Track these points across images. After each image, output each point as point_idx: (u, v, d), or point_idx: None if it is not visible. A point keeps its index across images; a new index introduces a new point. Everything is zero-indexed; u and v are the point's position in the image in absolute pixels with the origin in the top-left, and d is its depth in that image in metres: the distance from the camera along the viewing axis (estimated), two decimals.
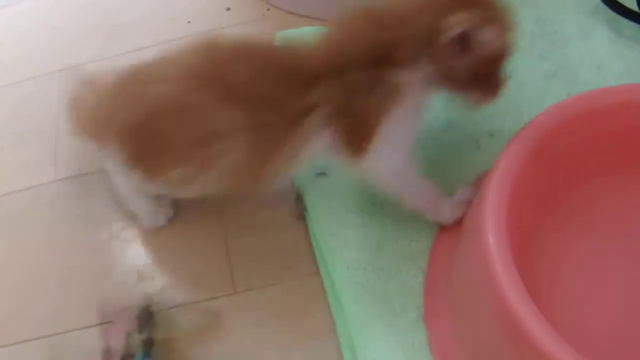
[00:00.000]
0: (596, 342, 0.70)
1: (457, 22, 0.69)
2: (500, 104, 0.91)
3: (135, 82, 0.82)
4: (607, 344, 0.71)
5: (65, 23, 1.27)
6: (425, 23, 0.71)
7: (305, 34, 1.03)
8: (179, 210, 0.95)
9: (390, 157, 0.77)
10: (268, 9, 1.18)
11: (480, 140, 0.89)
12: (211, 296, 0.86)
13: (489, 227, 0.66)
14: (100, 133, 0.86)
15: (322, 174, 0.90)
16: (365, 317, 0.78)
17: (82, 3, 1.30)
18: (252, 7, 1.20)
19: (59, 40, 1.25)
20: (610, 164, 0.80)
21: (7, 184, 1.04)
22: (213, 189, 0.82)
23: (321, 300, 0.83)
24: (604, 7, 0.97)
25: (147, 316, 0.81)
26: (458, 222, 0.79)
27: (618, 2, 0.97)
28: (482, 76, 0.74)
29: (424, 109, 0.79)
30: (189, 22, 1.19)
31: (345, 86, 0.73)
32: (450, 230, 0.80)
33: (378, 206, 0.86)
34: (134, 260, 0.92)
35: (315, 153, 0.77)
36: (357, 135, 0.75)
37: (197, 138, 0.76)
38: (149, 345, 0.79)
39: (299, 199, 0.89)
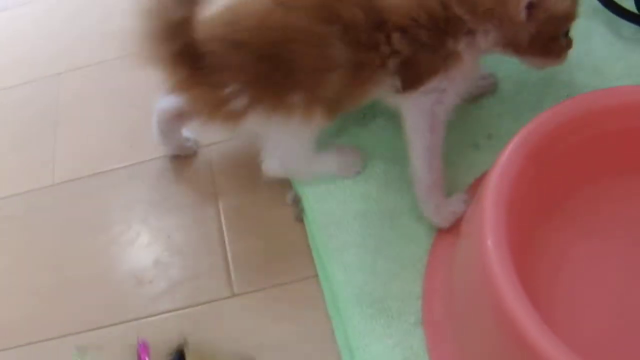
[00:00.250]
0: (594, 344, 0.70)
1: None
2: (498, 105, 0.91)
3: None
4: (605, 347, 0.70)
5: (62, 26, 1.27)
6: None
7: None
8: (178, 213, 0.95)
9: (432, 105, 0.80)
10: None
11: (479, 142, 0.89)
12: (210, 299, 0.86)
13: (487, 229, 0.66)
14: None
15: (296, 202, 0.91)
16: (364, 320, 0.78)
17: (79, 7, 1.30)
18: None
19: (56, 43, 1.25)
20: (612, 165, 0.79)
21: (6, 187, 1.04)
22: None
23: (320, 303, 0.83)
24: (602, 9, 0.97)
25: (178, 358, 0.80)
26: (456, 227, 0.79)
27: (617, 4, 0.96)
28: (548, 40, 0.77)
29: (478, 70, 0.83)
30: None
31: (416, 42, 0.77)
32: (449, 235, 0.80)
33: (377, 209, 0.85)
34: (132, 265, 0.92)
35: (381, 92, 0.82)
36: (413, 77, 0.79)
37: (316, 68, 0.78)
38: None
39: (297, 202, 0.89)
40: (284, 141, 0.84)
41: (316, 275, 0.84)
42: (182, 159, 1.00)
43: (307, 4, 0.76)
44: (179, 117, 0.93)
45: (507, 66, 0.92)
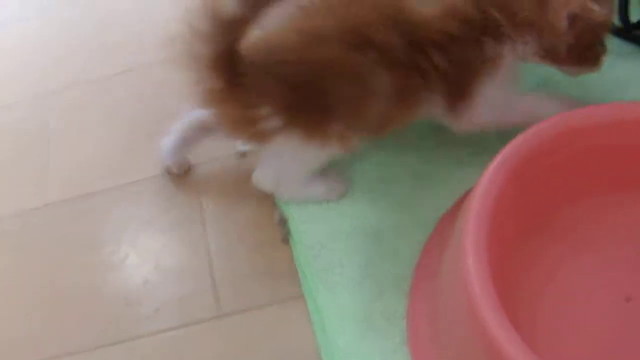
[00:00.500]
0: None
1: (569, 3, 0.73)
2: None
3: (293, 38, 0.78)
4: None
5: (54, 43, 1.28)
6: (534, 1, 0.75)
7: None
8: (167, 233, 0.95)
9: (483, 116, 0.82)
10: None
11: (463, 158, 0.89)
12: (198, 320, 0.86)
13: (469, 247, 0.66)
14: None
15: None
16: (350, 340, 0.78)
17: (72, 22, 1.31)
18: None
19: (48, 60, 1.26)
20: (599, 182, 0.80)
21: None
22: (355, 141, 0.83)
23: (306, 322, 0.83)
24: None
25: None
26: (440, 246, 0.79)
27: None
28: (586, 48, 0.78)
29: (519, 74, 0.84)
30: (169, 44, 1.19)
31: (455, 54, 0.77)
32: (433, 254, 0.80)
33: (361, 229, 0.86)
34: (121, 285, 0.93)
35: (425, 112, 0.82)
36: (458, 89, 0.80)
37: (355, 97, 0.79)
38: None
39: (283, 222, 0.89)
40: (291, 161, 0.84)
41: (302, 296, 0.84)
42: (172, 179, 1.00)
43: (336, 33, 0.76)
44: (205, 129, 0.94)
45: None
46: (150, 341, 0.86)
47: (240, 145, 0.98)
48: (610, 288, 0.76)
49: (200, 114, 0.91)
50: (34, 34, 1.32)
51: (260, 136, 0.80)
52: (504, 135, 0.78)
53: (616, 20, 0.97)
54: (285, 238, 0.88)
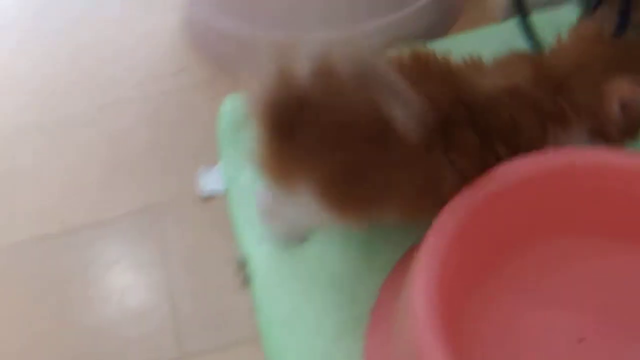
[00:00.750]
0: None
1: (621, 90, 0.78)
2: None
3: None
4: None
5: (22, 80, 1.29)
6: (587, 85, 0.79)
7: None
8: (131, 274, 0.96)
9: None
10: (217, 71, 1.21)
11: None
12: (158, 359, 0.87)
13: (417, 296, 0.67)
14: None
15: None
16: None
17: (38, 62, 1.32)
18: (201, 70, 1.22)
19: (15, 98, 1.26)
20: (552, 228, 0.81)
21: None
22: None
23: None
24: None
25: None
26: (395, 290, 0.80)
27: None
28: (633, 128, 0.82)
29: None
30: (137, 83, 1.21)
31: (520, 146, 0.78)
32: (388, 297, 0.81)
33: (321, 273, 0.87)
34: (87, 324, 0.93)
35: None
36: None
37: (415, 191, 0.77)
38: None
39: (242, 266, 0.90)
40: (296, 213, 0.82)
41: (261, 337, 0.85)
42: (138, 220, 1.01)
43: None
44: None
45: None
46: None
47: (205, 189, 0.99)
48: (563, 330, 0.77)
49: None
50: (9, 70, 1.32)
51: (295, 194, 0.77)
52: None
53: None
54: (245, 281, 0.89)
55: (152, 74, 1.20)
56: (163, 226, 1.00)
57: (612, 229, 0.81)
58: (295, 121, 0.72)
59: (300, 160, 0.74)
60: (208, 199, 0.99)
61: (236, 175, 0.99)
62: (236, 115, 1.05)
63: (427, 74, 0.77)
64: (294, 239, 0.88)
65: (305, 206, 0.77)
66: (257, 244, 0.91)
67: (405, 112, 0.70)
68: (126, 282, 0.95)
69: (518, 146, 0.78)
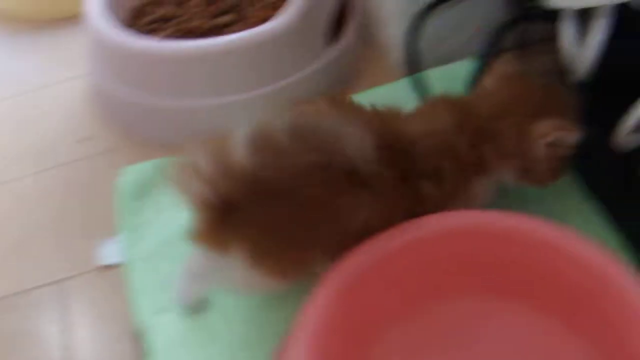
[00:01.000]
0: None
1: (546, 131, 0.82)
2: None
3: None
4: None
5: None
6: (513, 127, 0.83)
7: None
8: (26, 348, 0.94)
9: None
10: (123, 139, 1.21)
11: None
12: None
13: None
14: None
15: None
16: None
17: None
18: (107, 138, 1.22)
19: None
20: (429, 292, 0.82)
21: None
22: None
23: None
24: None
25: None
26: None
27: None
28: (557, 168, 0.86)
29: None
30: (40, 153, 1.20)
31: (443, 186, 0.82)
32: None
33: (213, 342, 0.86)
34: None
35: None
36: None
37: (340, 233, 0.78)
38: None
39: (138, 338, 0.88)
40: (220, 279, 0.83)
41: None
42: (36, 293, 0.99)
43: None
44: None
45: None
46: None
47: (105, 259, 0.98)
48: None
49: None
50: None
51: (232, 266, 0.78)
52: None
53: None
54: (142, 353, 0.87)
55: (57, 143, 1.20)
56: (64, 298, 0.98)
57: (507, 290, 0.82)
58: (231, 199, 0.73)
59: (234, 231, 0.75)
60: (109, 268, 0.98)
61: (134, 245, 0.98)
62: (135, 185, 1.05)
63: (348, 116, 0.80)
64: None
65: (240, 272, 0.77)
66: (154, 313, 0.90)
67: (355, 147, 0.75)
68: (24, 357, 0.93)
69: (442, 188, 0.81)
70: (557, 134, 0.82)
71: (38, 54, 1.46)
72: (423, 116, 0.86)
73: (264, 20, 1.15)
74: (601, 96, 0.95)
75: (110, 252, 1.01)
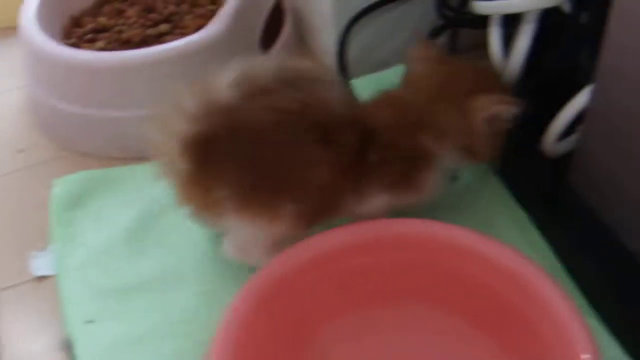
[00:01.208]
0: None
1: (485, 105, 0.83)
2: None
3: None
4: None
5: None
6: (451, 107, 0.85)
7: None
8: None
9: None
10: (60, 149, 1.21)
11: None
12: None
13: None
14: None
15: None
16: None
17: None
18: (45, 149, 1.22)
19: None
20: (342, 302, 0.84)
21: None
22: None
23: None
24: None
25: None
26: None
27: None
28: (494, 143, 0.87)
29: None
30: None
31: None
32: None
33: (149, 354, 0.87)
34: None
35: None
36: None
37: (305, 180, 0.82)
38: None
39: (67, 347, 0.89)
40: (249, 236, 0.87)
41: None
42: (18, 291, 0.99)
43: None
44: None
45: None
46: None
47: (38, 270, 0.99)
48: None
49: None
50: None
51: (219, 216, 0.83)
52: None
53: None
54: None
55: None
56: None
57: (426, 297, 0.84)
58: (208, 151, 0.78)
59: (216, 175, 0.80)
60: (42, 280, 0.98)
61: (65, 256, 0.99)
62: (69, 196, 1.06)
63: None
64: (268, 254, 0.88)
65: (243, 225, 0.83)
66: (84, 323, 0.90)
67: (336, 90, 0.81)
68: None
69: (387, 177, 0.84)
70: (495, 107, 0.84)
71: None
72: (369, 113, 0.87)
73: (199, 29, 1.16)
74: (530, 102, 0.97)
75: (43, 263, 1.01)
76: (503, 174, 1.02)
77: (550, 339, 0.72)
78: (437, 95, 0.86)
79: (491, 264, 0.79)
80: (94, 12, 1.31)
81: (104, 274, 0.95)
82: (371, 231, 0.83)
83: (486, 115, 0.84)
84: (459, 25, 1.20)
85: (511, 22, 1.04)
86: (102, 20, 1.28)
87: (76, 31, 1.27)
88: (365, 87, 1.10)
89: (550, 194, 0.99)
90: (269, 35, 1.23)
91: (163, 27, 1.25)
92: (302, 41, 1.34)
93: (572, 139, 0.94)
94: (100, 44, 1.22)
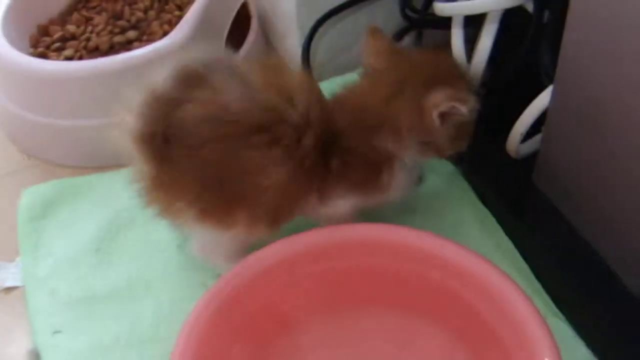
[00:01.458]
0: None
1: (438, 102, 0.82)
2: None
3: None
4: None
5: None
6: (409, 104, 0.84)
7: None
8: None
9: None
10: (28, 159, 1.20)
11: (207, 282, 0.92)
12: None
13: None
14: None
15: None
16: None
17: None
18: (13, 159, 1.21)
19: None
20: (334, 302, 0.84)
21: None
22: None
23: None
24: None
25: None
26: None
27: None
28: (457, 138, 0.87)
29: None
30: None
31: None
32: None
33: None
34: None
35: None
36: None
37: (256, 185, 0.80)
38: None
39: (35, 359, 0.89)
40: (213, 242, 0.88)
41: None
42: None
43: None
44: None
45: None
46: None
47: (6, 281, 0.98)
48: None
49: None
50: None
51: (182, 222, 0.83)
52: None
53: None
54: None
55: None
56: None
57: (403, 303, 0.84)
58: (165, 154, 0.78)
59: (174, 189, 0.80)
60: (10, 290, 0.98)
61: (33, 266, 0.99)
62: (37, 206, 1.06)
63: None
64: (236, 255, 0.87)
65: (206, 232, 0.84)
66: (51, 334, 0.90)
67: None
68: None
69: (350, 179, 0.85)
70: (449, 103, 0.83)
71: None
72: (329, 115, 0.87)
73: (165, 35, 1.16)
74: (494, 102, 0.97)
75: (11, 274, 1.01)
76: (469, 175, 1.03)
77: (511, 342, 0.73)
78: (392, 93, 0.85)
79: (455, 268, 0.79)
80: (62, 20, 1.31)
81: (71, 284, 0.95)
82: (336, 236, 0.83)
83: (440, 112, 0.83)
84: (422, 27, 1.20)
85: (476, 23, 1.05)
86: (70, 28, 1.27)
87: (44, 40, 1.26)
88: (331, 90, 1.11)
89: (516, 195, 0.99)
90: (236, 40, 1.23)
91: (131, 34, 1.25)
92: (269, 45, 1.34)
93: (537, 139, 0.94)
94: (68, 52, 1.22)
